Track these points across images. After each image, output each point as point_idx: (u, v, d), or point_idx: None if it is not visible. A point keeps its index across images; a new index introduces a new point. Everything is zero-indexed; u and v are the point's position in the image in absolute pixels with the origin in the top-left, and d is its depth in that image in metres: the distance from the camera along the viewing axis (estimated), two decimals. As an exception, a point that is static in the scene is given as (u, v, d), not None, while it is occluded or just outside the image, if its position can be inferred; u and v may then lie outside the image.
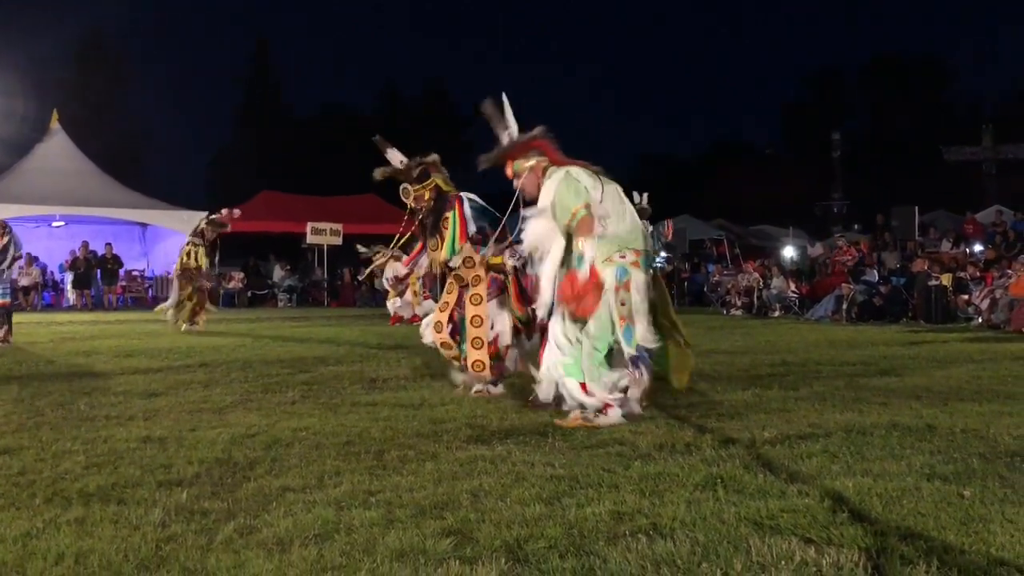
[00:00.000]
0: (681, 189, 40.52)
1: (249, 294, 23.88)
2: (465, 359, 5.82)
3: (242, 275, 24.53)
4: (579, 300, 4.63)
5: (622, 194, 5.06)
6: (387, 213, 21.89)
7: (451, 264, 5.91)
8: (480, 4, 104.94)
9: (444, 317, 5.96)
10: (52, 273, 23.35)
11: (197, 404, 5.52)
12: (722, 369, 7.30)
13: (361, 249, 8.65)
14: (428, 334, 6.06)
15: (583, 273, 4.62)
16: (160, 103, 69.21)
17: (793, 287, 18.10)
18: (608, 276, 4.75)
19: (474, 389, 5.83)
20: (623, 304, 4.77)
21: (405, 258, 6.50)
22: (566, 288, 4.66)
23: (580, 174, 4.87)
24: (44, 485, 3.44)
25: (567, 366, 4.78)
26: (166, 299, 23.41)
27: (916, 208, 20.44)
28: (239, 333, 12.27)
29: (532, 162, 4.98)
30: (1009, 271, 13.83)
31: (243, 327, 13.33)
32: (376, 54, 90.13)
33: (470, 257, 5.83)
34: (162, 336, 11.56)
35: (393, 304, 12.35)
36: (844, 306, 15.45)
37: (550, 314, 4.92)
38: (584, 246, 4.66)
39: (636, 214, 5.11)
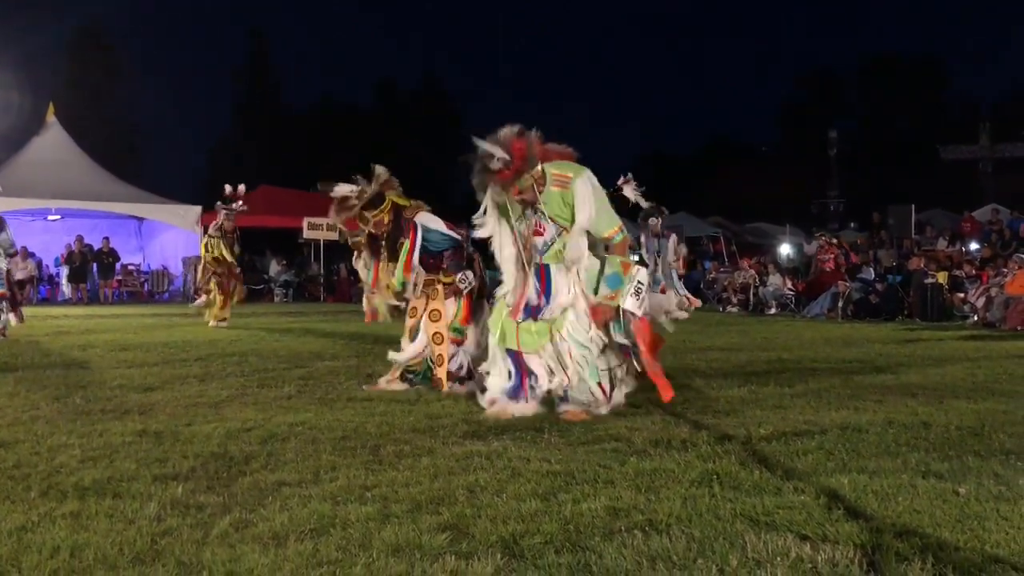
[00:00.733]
0: (678, 187, 40.52)
1: (245, 289, 23.82)
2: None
3: (238, 270, 24.48)
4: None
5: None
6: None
7: (404, 292, 5.95)
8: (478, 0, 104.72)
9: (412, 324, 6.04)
10: (48, 267, 23.30)
11: (193, 399, 5.52)
12: (718, 366, 7.30)
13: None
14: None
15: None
16: (157, 97, 68.92)
17: (789, 284, 18.11)
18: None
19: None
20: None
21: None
22: (603, 312, 4.87)
23: (593, 177, 4.91)
24: (39, 479, 3.44)
25: (591, 367, 4.90)
26: (163, 294, 23.59)
27: (913, 206, 20.46)
28: (235, 327, 12.25)
29: (534, 174, 4.82)
30: (1005, 269, 13.85)
31: (239, 322, 13.30)
32: (373, 49, 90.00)
33: (429, 279, 5.92)
34: (158, 330, 11.54)
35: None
36: (840, 304, 15.46)
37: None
38: (621, 267, 4.85)
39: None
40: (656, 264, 13.90)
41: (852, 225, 32.09)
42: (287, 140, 43.30)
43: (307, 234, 23.72)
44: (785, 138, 50.67)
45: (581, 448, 3.99)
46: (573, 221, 4.84)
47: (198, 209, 22.48)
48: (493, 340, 5.13)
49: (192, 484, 3.35)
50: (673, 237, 14.73)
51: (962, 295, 14.64)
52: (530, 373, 4.97)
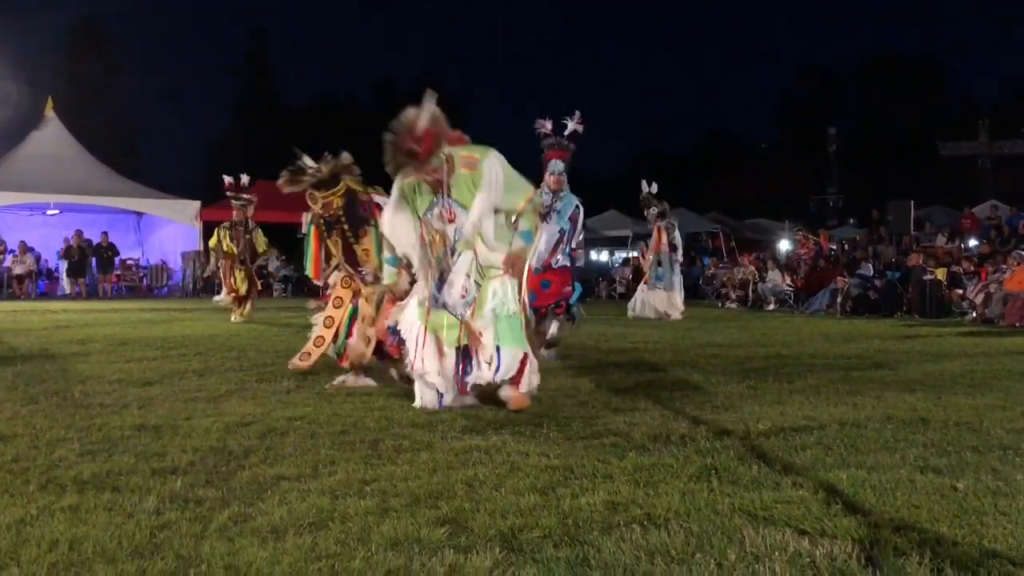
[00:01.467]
0: (677, 183, 40.54)
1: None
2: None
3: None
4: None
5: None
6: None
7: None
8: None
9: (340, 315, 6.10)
10: (47, 261, 23.28)
11: (192, 393, 5.52)
12: (717, 362, 7.31)
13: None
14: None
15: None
16: (156, 93, 69.01)
17: (788, 280, 18.13)
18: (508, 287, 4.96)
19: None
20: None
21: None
22: (515, 262, 4.93)
23: (500, 156, 4.89)
24: (38, 472, 3.43)
25: (516, 336, 4.92)
26: (162, 289, 23.58)
27: (912, 203, 20.47)
28: (234, 322, 12.25)
29: (444, 156, 4.72)
30: (1004, 266, 13.87)
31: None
32: (373, 48, 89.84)
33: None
34: (156, 325, 11.54)
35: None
36: (839, 300, 15.48)
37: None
38: (538, 223, 4.91)
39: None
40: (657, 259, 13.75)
41: (851, 221, 32.15)
42: (286, 137, 43.27)
43: (306, 229, 23.66)
44: (784, 135, 50.73)
45: (580, 443, 3.99)
46: None
47: (197, 204, 22.49)
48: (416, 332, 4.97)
49: (191, 478, 3.35)
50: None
51: (960, 291, 14.65)
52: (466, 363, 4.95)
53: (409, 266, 5.13)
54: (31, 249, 21.96)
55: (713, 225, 28.94)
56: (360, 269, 5.92)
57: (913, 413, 4.71)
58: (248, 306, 12.73)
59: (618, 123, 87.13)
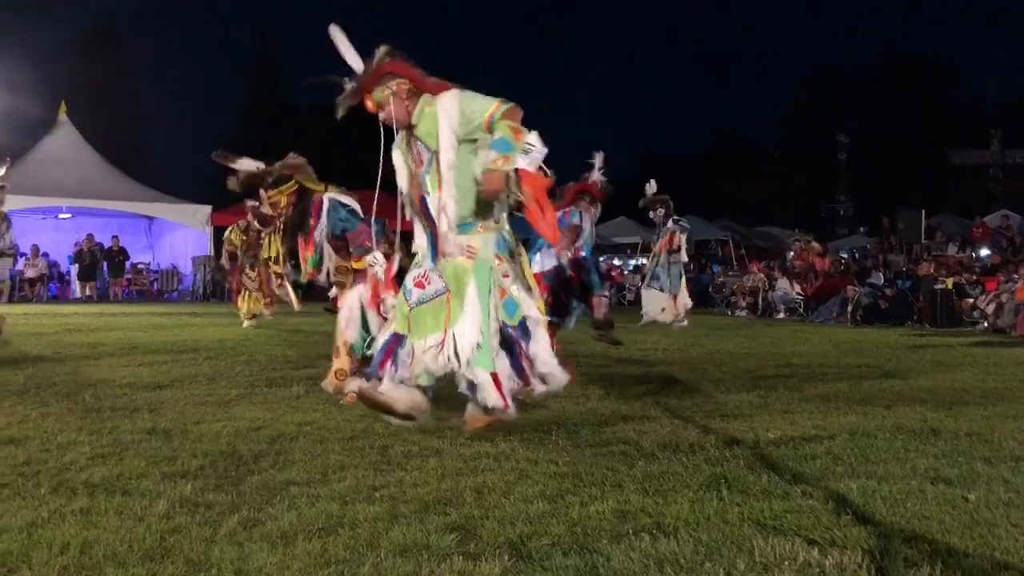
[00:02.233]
0: (685, 188, 40.52)
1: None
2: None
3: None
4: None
5: None
6: (391, 207, 21.87)
7: (318, 273, 5.72)
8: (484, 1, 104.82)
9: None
10: (58, 265, 23.40)
11: (202, 397, 5.53)
12: (727, 370, 7.29)
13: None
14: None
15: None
16: (165, 95, 69.30)
17: (798, 289, 18.09)
18: (488, 245, 4.39)
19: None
20: (505, 276, 4.41)
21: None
22: (495, 179, 4.14)
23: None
24: (49, 475, 3.45)
25: (481, 354, 4.26)
26: (172, 293, 23.66)
27: (923, 211, 20.40)
28: (243, 327, 12.28)
29: (393, 86, 4.34)
30: (1016, 276, 13.80)
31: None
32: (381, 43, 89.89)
33: (342, 265, 5.65)
34: (167, 329, 11.58)
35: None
36: (849, 309, 15.44)
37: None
38: (511, 132, 4.13)
39: None
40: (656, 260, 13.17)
41: (861, 230, 32.07)
42: (294, 139, 43.40)
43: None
44: (793, 141, 50.58)
45: (589, 450, 3.99)
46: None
47: (208, 209, 22.58)
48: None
49: (201, 482, 3.36)
50: (672, 221, 13.06)
51: (972, 300, 14.59)
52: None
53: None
54: (43, 253, 22.07)
55: (723, 232, 28.89)
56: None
57: (924, 423, 4.69)
58: (261, 305, 12.67)
59: (626, 127, 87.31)
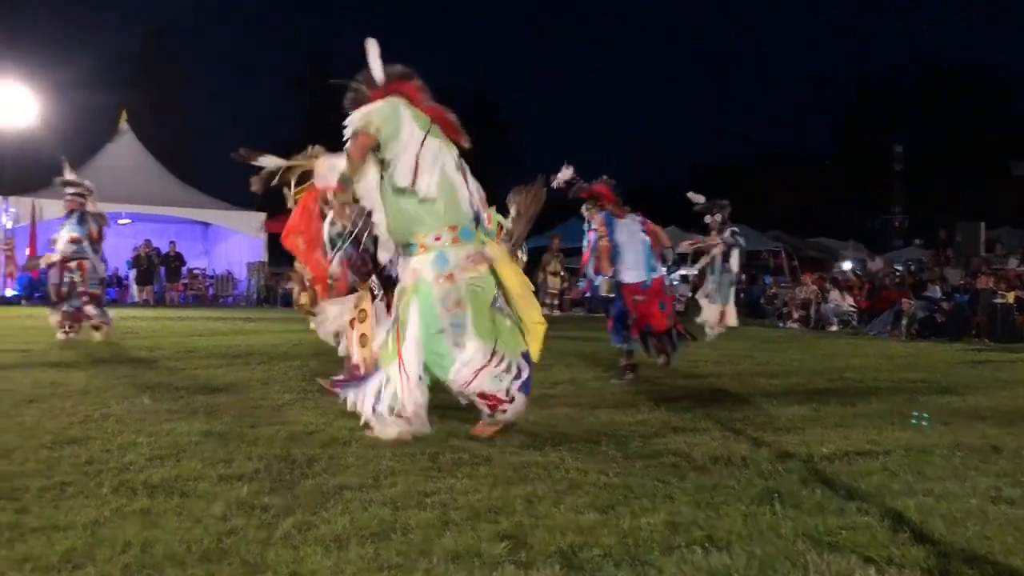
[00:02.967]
0: (737, 198, 40.07)
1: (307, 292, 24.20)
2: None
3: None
4: None
5: (461, 167, 4.61)
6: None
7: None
8: (528, 8, 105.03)
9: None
10: (117, 269, 23.96)
11: (256, 401, 5.63)
12: (778, 383, 7.20)
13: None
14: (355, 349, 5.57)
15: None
16: (221, 102, 70.62)
17: (851, 301, 17.79)
18: (426, 266, 4.44)
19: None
20: (450, 298, 4.42)
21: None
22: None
23: (409, 110, 4.45)
24: (111, 475, 3.54)
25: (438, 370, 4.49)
26: (227, 298, 24.07)
27: (983, 224, 19.94)
28: (297, 331, 12.43)
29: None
30: (1079, 290, 13.42)
31: (300, 325, 13.48)
32: (429, 60, 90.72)
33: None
34: (222, 333, 11.78)
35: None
36: (904, 322, 15.13)
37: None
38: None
39: (472, 191, 4.63)
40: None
41: (917, 242, 31.48)
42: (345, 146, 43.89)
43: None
44: (846, 151, 49.81)
45: (639, 462, 3.97)
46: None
47: (262, 216, 22.92)
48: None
49: (256, 485, 3.42)
50: (728, 229, 12.19)
51: (1034, 315, 14.21)
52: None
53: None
54: (103, 258, 22.60)
55: (774, 243, 28.53)
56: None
57: (983, 440, 4.58)
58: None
59: (675, 134, 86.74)
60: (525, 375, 4.52)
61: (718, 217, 12.39)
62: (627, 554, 2.67)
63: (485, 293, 4.50)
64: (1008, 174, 32.25)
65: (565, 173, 7.53)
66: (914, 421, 5.04)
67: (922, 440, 4.58)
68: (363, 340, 5.38)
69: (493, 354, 4.42)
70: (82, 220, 10.28)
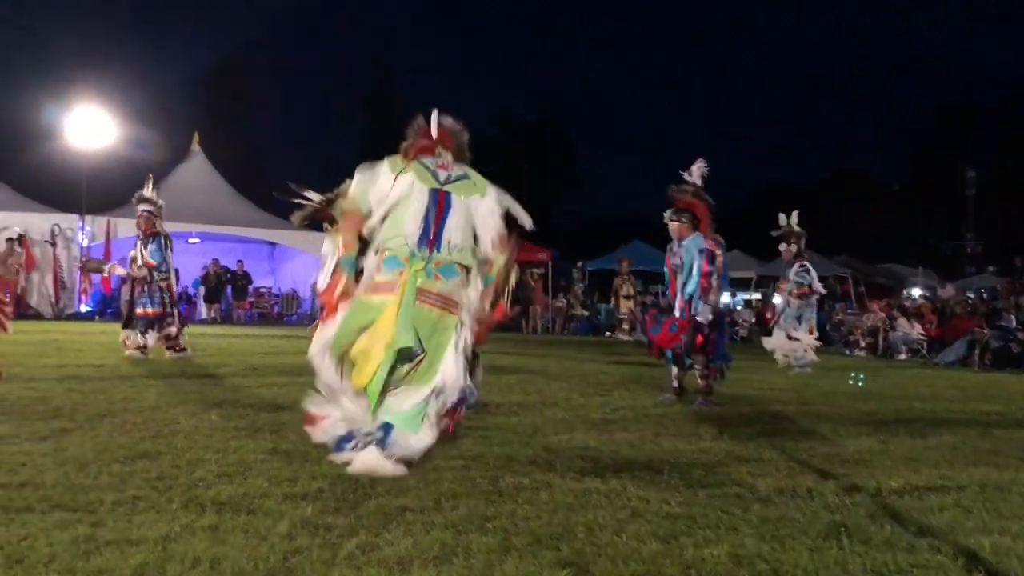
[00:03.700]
0: (802, 222, 39.43)
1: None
2: None
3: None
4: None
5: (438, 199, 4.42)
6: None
7: None
8: (597, 32, 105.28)
9: None
10: (186, 287, 24.58)
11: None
12: (845, 413, 7.05)
13: None
14: None
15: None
16: (287, 124, 72.14)
17: (920, 329, 17.35)
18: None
19: None
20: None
21: None
22: None
23: (392, 160, 4.60)
24: (180, 491, 3.63)
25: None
26: (291, 316, 24.50)
27: (1060, 251, 19.29)
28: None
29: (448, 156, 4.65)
30: None
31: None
32: (491, 81, 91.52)
33: None
34: (286, 352, 11.98)
35: None
36: (977, 352, 14.70)
37: None
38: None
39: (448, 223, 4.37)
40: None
41: (991, 268, 30.58)
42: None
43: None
44: (917, 174, 48.69)
45: (702, 491, 3.93)
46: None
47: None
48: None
49: (320, 504, 3.47)
50: (797, 265, 12.22)
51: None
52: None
53: None
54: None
55: (841, 269, 27.98)
56: None
57: (1063, 478, 4.42)
58: None
59: (740, 156, 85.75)
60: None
61: (793, 247, 12.13)
62: (690, 586, 2.64)
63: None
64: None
65: (701, 166, 7.65)
66: (851, 380, 4.91)
67: (998, 476, 4.44)
68: None
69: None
70: (161, 245, 10.53)
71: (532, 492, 3.80)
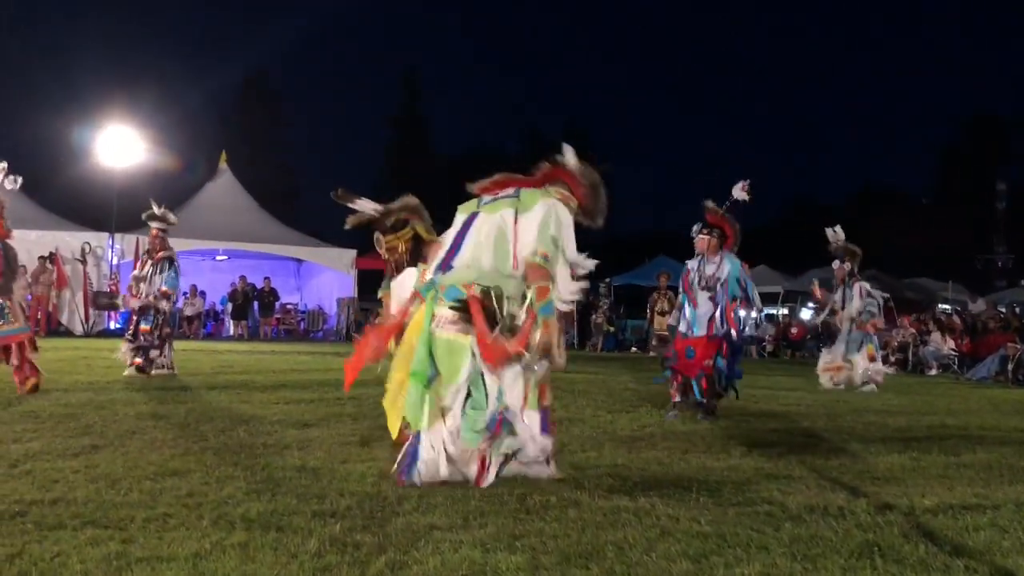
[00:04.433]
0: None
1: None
2: None
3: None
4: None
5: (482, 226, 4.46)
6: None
7: None
8: (624, 49, 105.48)
9: None
10: (214, 304, 24.78)
11: (346, 436, 5.72)
12: (875, 429, 6.97)
13: None
14: None
15: None
16: (315, 141, 72.86)
17: (952, 344, 17.13)
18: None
19: None
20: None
21: None
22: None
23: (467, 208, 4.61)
24: (210, 508, 3.65)
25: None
26: (318, 332, 24.63)
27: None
28: (386, 368, 12.62)
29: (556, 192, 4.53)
30: None
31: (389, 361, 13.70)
32: (519, 95, 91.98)
33: None
34: (312, 369, 12.03)
35: None
36: (1010, 367, 14.48)
37: None
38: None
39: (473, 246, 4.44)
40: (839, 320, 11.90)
41: (1022, 283, 30.15)
42: (438, 186, 44.54)
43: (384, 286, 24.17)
44: (946, 188, 48.16)
45: (732, 510, 3.89)
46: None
47: (353, 253, 23.47)
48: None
49: (349, 522, 3.47)
50: (858, 287, 11.80)
51: None
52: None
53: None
54: (201, 292, 23.43)
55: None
56: None
57: (1101, 497, 4.33)
58: None
59: (768, 171, 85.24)
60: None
61: (847, 266, 11.76)
62: (722, 606, 2.61)
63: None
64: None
65: (745, 186, 7.75)
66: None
67: (1033, 495, 4.36)
68: None
69: None
70: (176, 270, 10.49)
71: (560, 510, 3.78)
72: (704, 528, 3.51)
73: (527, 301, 4.28)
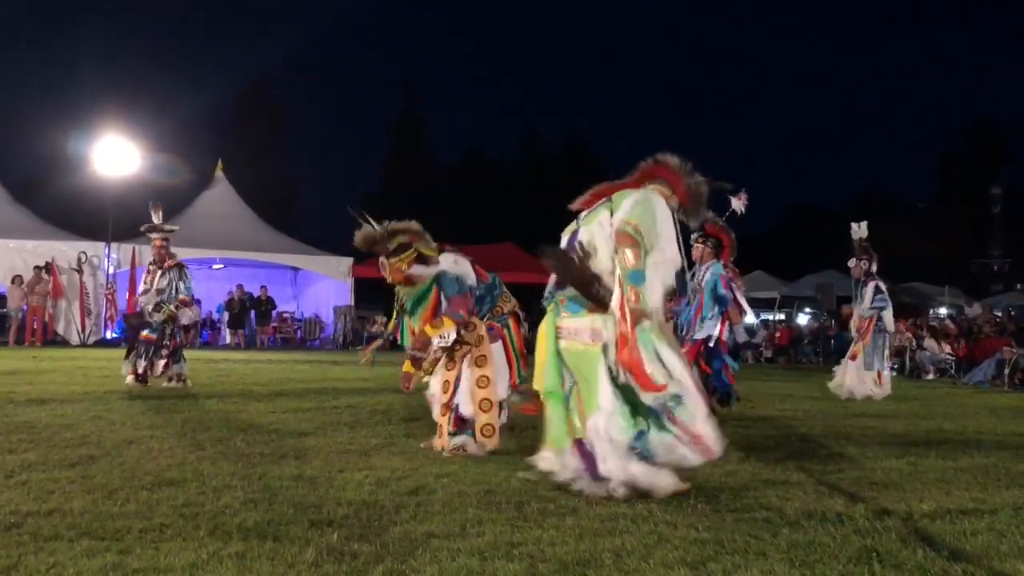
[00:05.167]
0: (829, 242, 39.21)
1: (392, 339, 24.52)
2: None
3: (384, 319, 25.26)
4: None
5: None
6: (523, 261, 22.18)
7: (438, 343, 5.57)
8: (625, 53, 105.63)
9: (452, 376, 5.66)
10: (210, 313, 24.73)
11: (344, 445, 5.71)
12: (873, 434, 6.97)
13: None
14: (437, 394, 5.79)
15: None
16: (313, 149, 72.89)
17: (948, 349, 17.14)
18: None
19: (451, 445, 5.49)
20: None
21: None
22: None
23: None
24: (206, 518, 3.64)
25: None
26: (314, 341, 24.60)
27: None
28: (382, 377, 12.60)
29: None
30: None
31: (386, 371, 13.66)
32: (517, 105, 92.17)
33: (470, 322, 5.55)
34: (309, 379, 12.02)
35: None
36: (1006, 371, 14.49)
37: None
38: None
39: None
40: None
41: (1019, 286, 30.24)
42: (438, 193, 44.41)
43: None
44: (943, 192, 48.31)
45: (730, 516, 3.89)
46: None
47: (349, 261, 23.45)
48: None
49: (346, 531, 3.46)
50: (872, 285, 11.44)
51: None
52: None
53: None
54: (197, 301, 23.40)
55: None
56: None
57: (1098, 500, 4.34)
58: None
59: (766, 176, 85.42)
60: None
61: (863, 264, 11.46)
62: (720, 613, 2.61)
63: None
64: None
65: (742, 199, 7.98)
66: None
67: (1031, 499, 4.36)
68: (482, 382, 5.60)
69: None
70: (185, 276, 10.49)
71: (558, 517, 3.78)
72: (702, 534, 3.51)
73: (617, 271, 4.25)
